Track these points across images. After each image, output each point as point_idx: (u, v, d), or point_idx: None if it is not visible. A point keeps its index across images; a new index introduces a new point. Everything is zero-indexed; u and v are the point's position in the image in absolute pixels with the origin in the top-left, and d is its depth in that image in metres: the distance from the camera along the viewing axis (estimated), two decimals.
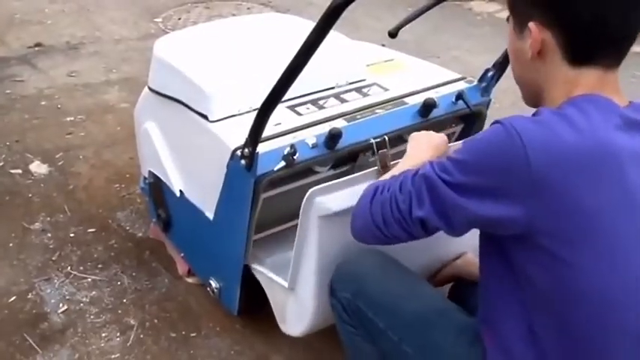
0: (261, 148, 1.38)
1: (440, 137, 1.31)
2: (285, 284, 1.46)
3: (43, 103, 3.19)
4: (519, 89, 1.09)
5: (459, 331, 1.15)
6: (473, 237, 1.08)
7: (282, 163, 1.39)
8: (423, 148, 1.26)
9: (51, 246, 2.13)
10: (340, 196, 1.31)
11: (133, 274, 2.01)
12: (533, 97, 1.05)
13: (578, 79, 0.96)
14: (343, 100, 1.65)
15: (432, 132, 1.33)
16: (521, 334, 1.00)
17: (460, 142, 1.23)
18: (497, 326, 1.05)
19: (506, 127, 0.90)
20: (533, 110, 1.01)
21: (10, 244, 2.14)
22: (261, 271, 1.56)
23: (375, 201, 1.09)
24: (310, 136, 1.45)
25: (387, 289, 1.23)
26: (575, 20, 0.92)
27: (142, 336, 1.77)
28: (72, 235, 2.19)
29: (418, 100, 1.63)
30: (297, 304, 1.49)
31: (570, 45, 0.94)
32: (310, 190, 1.29)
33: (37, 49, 3.90)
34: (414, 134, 1.34)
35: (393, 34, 1.64)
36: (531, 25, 0.95)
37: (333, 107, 1.61)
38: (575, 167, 0.87)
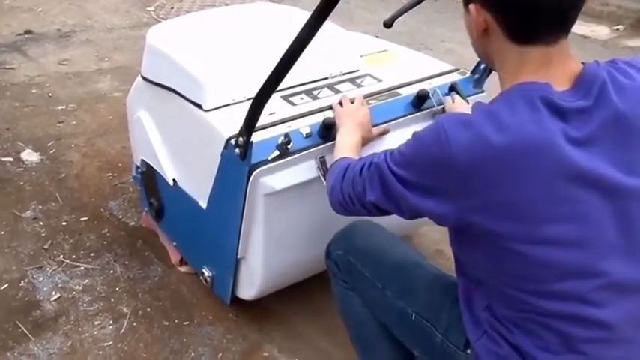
0: (255, 137, 1.38)
1: (362, 113, 1.47)
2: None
3: (34, 91, 3.17)
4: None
5: (433, 278, 1.28)
6: None
7: (276, 153, 1.40)
8: (351, 131, 1.42)
9: (43, 234, 2.13)
10: (283, 176, 1.43)
11: (126, 262, 2.01)
12: (485, 61, 1.13)
13: (524, 57, 0.98)
14: (337, 91, 1.66)
15: (354, 108, 1.48)
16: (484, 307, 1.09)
17: None
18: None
19: (439, 131, 0.96)
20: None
21: (2, 232, 2.13)
22: None
23: (345, 179, 1.21)
24: (304, 126, 1.46)
25: (374, 244, 1.38)
26: (509, 3, 0.95)
27: (134, 324, 1.78)
28: (64, 223, 2.19)
29: (411, 91, 1.64)
30: (247, 272, 1.61)
31: (508, 26, 0.97)
32: (255, 171, 1.40)
33: (27, 36, 3.87)
34: (339, 112, 1.48)
35: (388, 25, 1.64)
36: (471, 6, 1.00)
37: (327, 97, 1.62)
38: (499, 165, 0.92)
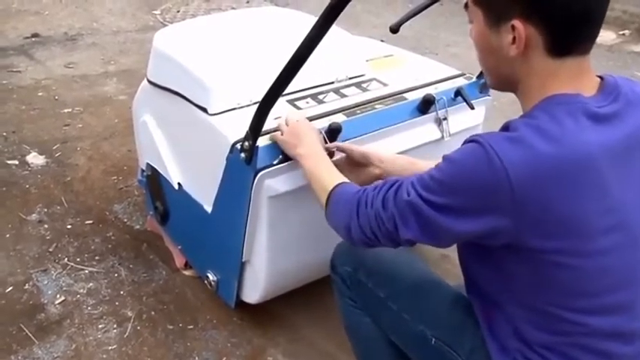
0: (261, 141, 1.38)
1: (306, 127, 1.37)
2: None
3: (40, 94, 3.18)
4: (485, 75, 1.09)
5: (453, 299, 1.20)
6: None
7: (282, 157, 1.40)
8: (314, 151, 1.32)
9: (48, 237, 2.13)
10: (287, 178, 1.43)
11: (130, 266, 2.01)
12: (505, 85, 1.05)
13: (558, 70, 0.96)
14: (343, 95, 1.65)
15: (295, 125, 1.37)
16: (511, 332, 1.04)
17: None
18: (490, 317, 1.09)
19: (485, 149, 0.91)
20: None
21: (7, 235, 2.14)
22: None
23: (361, 215, 1.09)
24: None
25: (385, 261, 1.27)
26: (564, 13, 0.91)
27: (138, 328, 1.78)
28: (69, 226, 2.19)
29: (417, 95, 1.63)
30: (252, 275, 1.61)
31: (554, 38, 0.93)
32: (260, 174, 1.39)
33: (34, 39, 3.89)
34: (283, 140, 1.37)
35: (394, 30, 1.64)
36: (516, 23, 0.93)
37: (332, 102, 1.62)
38: (555, 180, 0.89)
